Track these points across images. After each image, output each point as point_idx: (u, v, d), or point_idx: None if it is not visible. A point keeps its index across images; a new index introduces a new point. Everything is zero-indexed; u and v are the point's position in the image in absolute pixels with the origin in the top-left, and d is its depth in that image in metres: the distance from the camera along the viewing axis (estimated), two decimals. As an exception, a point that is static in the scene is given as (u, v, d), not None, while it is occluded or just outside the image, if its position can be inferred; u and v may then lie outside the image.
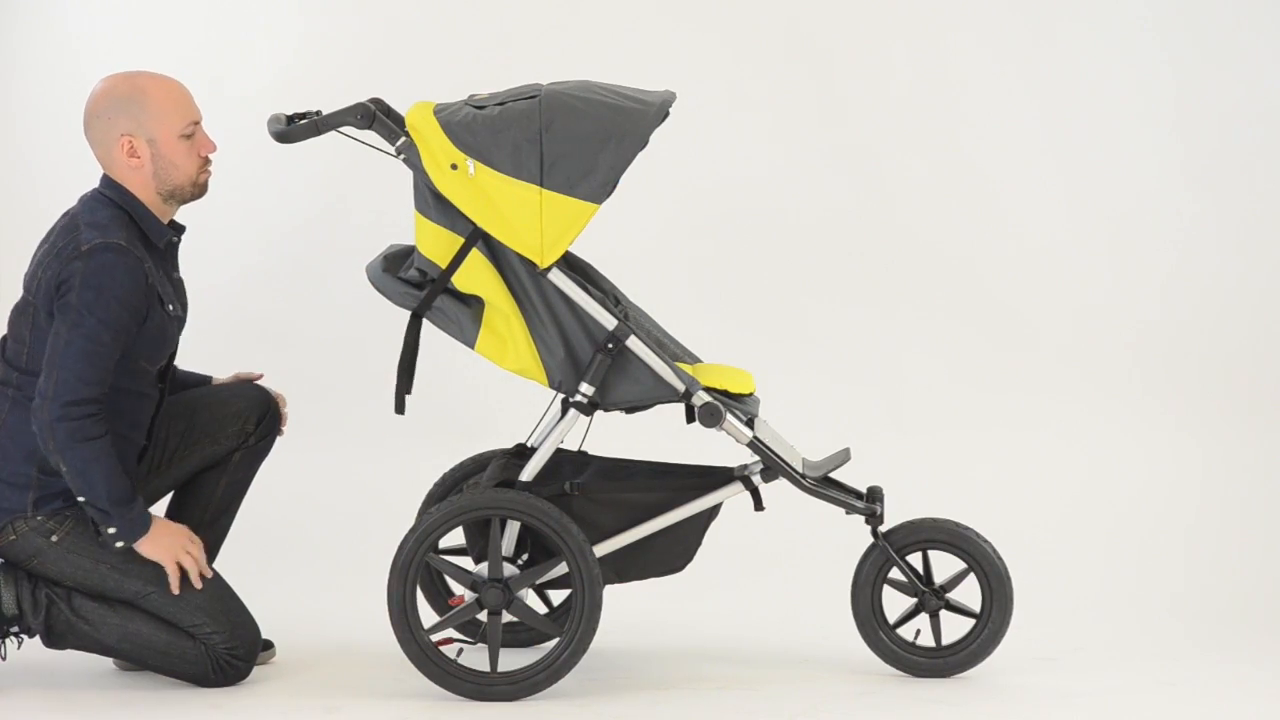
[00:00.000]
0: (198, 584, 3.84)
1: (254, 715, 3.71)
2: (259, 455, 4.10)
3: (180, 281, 3.99)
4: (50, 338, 3.75)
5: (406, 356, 3.82)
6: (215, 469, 4.07)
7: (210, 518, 4.08)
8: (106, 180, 3.87)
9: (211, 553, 4.07)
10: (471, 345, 3.79)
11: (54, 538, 3.82)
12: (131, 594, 3.84)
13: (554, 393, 3.91)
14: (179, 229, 3.95)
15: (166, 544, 3.81)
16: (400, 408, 3.83)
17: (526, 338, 3.78)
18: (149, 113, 3.83)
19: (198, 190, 3.90)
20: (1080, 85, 5.66)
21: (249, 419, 4.05)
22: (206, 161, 3.91)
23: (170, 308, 3.88)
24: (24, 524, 3.82)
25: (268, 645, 4.07)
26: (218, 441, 4.05)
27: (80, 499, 3.76)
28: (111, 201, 3.84)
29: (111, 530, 3.76)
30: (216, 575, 3.92)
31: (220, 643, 3.85)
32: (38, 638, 3.88)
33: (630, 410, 3.88)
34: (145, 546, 3.80)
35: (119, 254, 3.74)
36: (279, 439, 4.12)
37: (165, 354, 3.92)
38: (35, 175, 5.65)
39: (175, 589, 3.82)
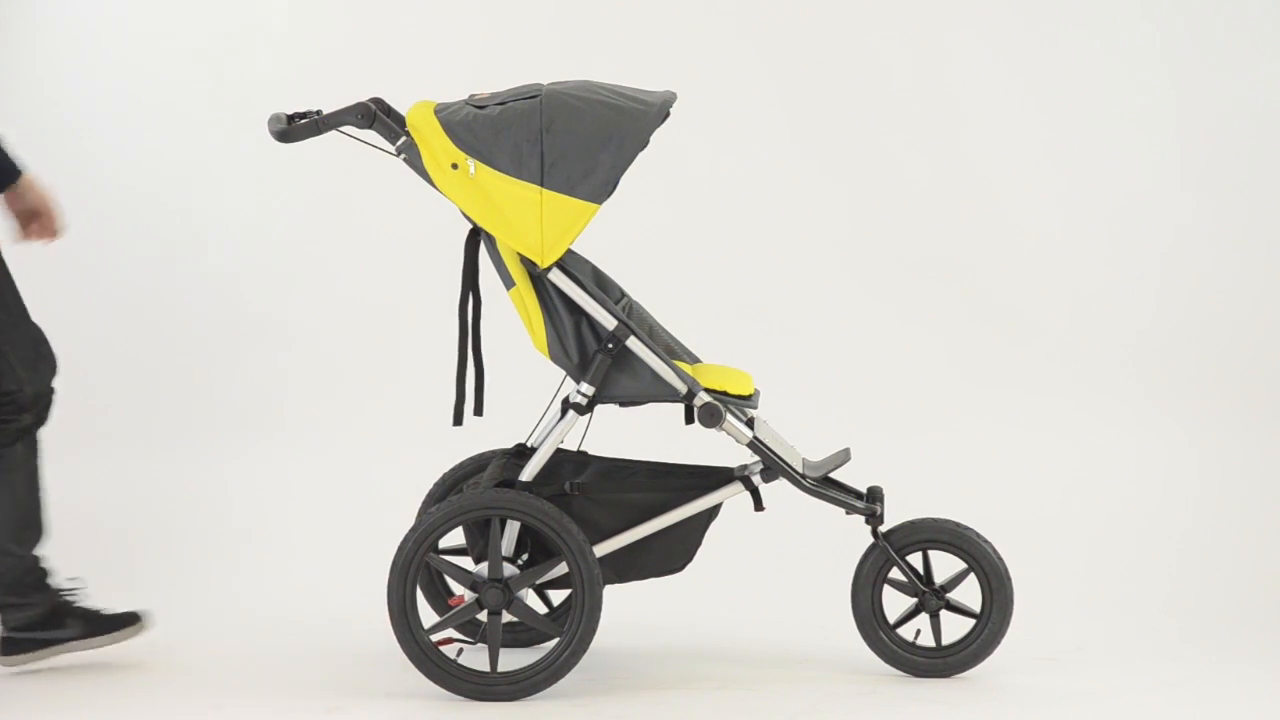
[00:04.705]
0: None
1: (254, 714, 3.71)
2: None
3: None
4: None
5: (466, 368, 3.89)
6: None
7: None
8: None
9: None
10: (508, 288, 3.80)
11: None
12: None
13: (554, 393, 3.91)
14: None
15: None
16: (458, 419, 3.90)
17: (538, 308, 3.80)
18: None
19: None
20: (1079, 84, 5.66)
21: None
22: None
23: None
24: None
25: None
26: None
27: None
28: None
29: None
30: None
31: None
32: None
33: (624, 405, 3.89)
34: None
35: None
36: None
37: None
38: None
39: None
